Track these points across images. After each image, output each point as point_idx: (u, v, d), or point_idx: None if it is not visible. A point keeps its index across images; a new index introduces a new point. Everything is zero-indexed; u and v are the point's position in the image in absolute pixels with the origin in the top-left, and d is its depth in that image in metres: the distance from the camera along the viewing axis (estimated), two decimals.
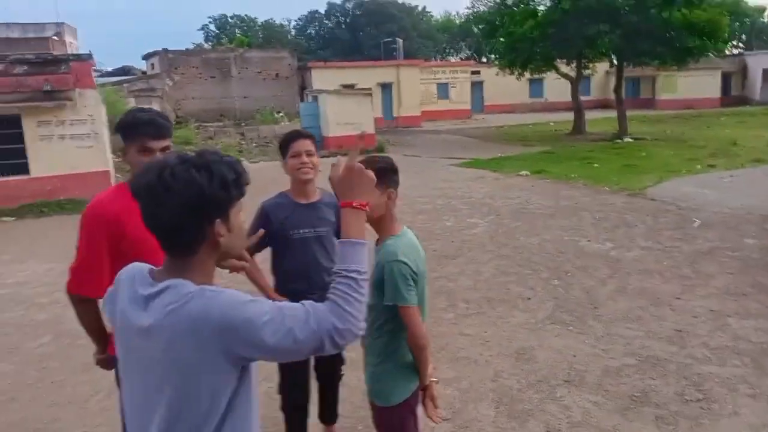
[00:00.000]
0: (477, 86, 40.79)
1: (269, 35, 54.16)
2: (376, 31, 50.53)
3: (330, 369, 3.40)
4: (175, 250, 1.42)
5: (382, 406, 2.43)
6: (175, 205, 1.34)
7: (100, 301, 2.09)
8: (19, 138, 12.27)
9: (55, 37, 23.37)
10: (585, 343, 4.81)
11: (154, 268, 1.48)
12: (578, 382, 4.17)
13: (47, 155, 12.39)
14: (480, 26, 28.70)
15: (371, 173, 1.56)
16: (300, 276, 3.04)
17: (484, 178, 14.17)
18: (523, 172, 14.43)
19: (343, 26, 56.27)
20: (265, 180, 6.82)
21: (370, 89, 23.30)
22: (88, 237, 2.36)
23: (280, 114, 28.82)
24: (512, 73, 26.22)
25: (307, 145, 3.01)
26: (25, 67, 12.34)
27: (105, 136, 13.15)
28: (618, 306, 5.59)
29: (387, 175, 2.34)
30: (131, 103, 21.34)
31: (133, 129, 2.35)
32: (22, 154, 12.33)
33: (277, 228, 3.00)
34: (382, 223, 2.38)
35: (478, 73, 40.71)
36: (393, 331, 2.36)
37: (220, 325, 1.31)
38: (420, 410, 2.47)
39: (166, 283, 1.38)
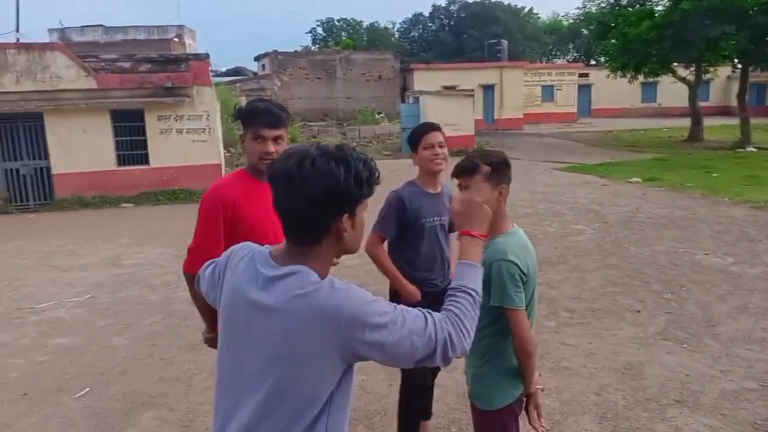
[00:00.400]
0: (584, 89, 39.28)
1: (374, 38, 54.93)
2: (480, 33, 49.88)
3: None
4: (299, 237, 1.43)
5: (483, 409, 2.32)
6: (310, 195, 1.35)
7: None
8: (142, 131, 13.21)
9: (176, 39, 24.86)
10: (700, 363, 4.43)
11: (273, 250, 1.49)
12: (692, 404, 3.84)
13: (165, 147, 13.26)
14: (591, 27, 27.58)
15: (488, 208, 1.68)
16: (427, 264, 3.13)
17: (590, 183, 13.58)
18: (634, 179, 13.68)
19: (447, 28, 56.02)
20: None
21: (472, 90, 23.03)
22: (206, 219, 2.43)
23: (381, 115, 29.18)
24: (624, 76, 25.00)
25: (439, 137, 3.08)
26: (149, 65, 13.27)
27: (219, 132, 13.86)
28: (739, 325, 5.12)
29: (499, 170, 2.23)
30: (242, 101, 22.37)
31: (250, 117, 2.43)
32: (143, 145, 13.28)
33: (410, 216, 3.08)
34: (491, 220, 2.28)
35: (586, 75, 39.22)
36: (498, 333, 2.25)
37: (346, 320, 1.33)
38: (522, 418, 2.35)
39: (293, 269, 1.39)
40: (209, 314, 2.58)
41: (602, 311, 5.56)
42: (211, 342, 2.67)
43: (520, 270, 2.14)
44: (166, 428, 3.81)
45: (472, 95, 22.10)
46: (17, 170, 12.95)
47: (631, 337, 4.95)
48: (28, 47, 12.57)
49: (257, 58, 36.42)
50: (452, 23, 55.90)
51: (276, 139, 2.41)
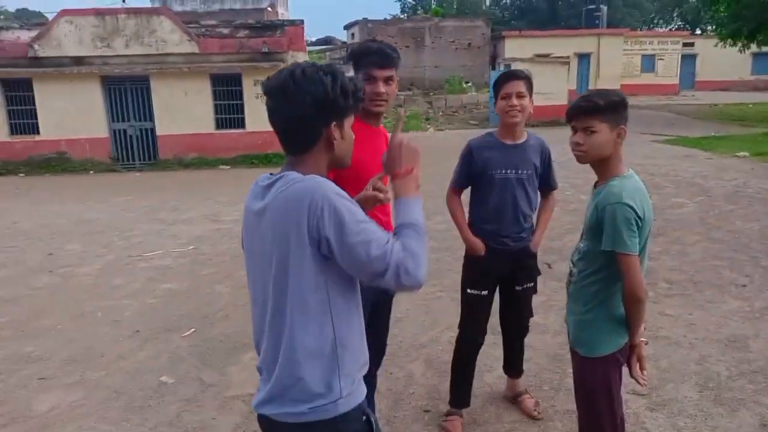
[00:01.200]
0: (688, 60, 36.77)
1: (463, 6, 53.67)
2: None
3: (517, 322, 3.35)
4: (293, 146, 1.58)
5: (585, 356, 2.28)
6: (301, 100, 1.49)
7: None
8: (239, 95, 13.68)
9: (269, 8, 25.38)
10: None
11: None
12: None
13: (261, 112, 13.59)
14: None
15: (416, 146, 1.68)
16: (495, 217, 3.04)
17: (692, 156, 12.83)
18: (741, 154, 12.79)
19: None
20: (449, 148, 6.76)
21: (567, 57, 22.13)
22: None
23: (468, 84, 28.67)
24: (734, 45, 23.18)
25: (518, 86, 2.91)
26: (247, 31, 13.66)
27: None
28: None
29: (618, 110, 2.13)
30: None
31: (362, 57, 2.45)
32: (240, 109, 13.76)
33: (479, 166, 3.02)
34: (607, 163, 2.18)
35: (691, 45, 36.68)
36: (606, 279, 2.18)
37: (317, 201, 1.43)
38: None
39: (282, 174, 1.56)
40: None
41: (704, 284, 5.31)
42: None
43: (636, 214, 2.05)
44: None
45: (568, 62, 21.23)
46: (125, 131, 13.81)
47: (736, 311, 4.70)
48: (136, 12, 13.25)
49: (347, 27, 36.59)
50: None
51: (387, 80, 2.42)
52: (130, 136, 13.84)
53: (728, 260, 5.91)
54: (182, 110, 13.50)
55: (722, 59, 32.68)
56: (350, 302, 1.59)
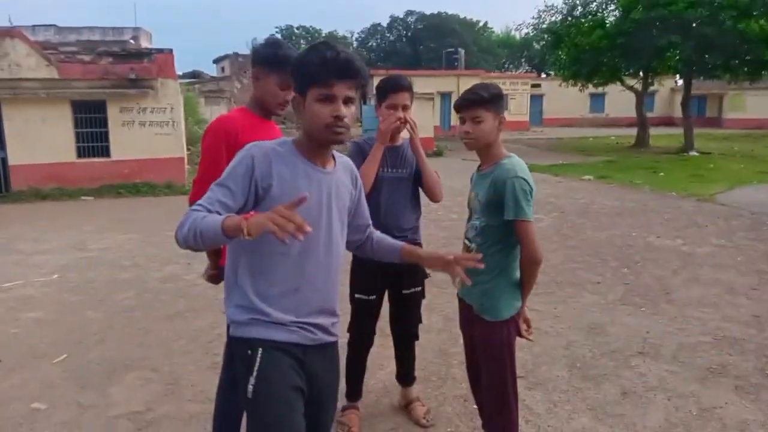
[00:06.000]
0: (536, 99, 40.42)
1: None
2: (436, 44, 50.91)
3: (405, 327, 3.36)
4: None
5: (491, 320, 2.46)
6: None
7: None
8: (104, 122, 12.94)
9: (131, 41, 24.43)
10: (658, 323, 4.77)
11: None
12: (653, 355, 4.15)
13: (128, 140, 13.01)
14: (543, 40, 28.49)
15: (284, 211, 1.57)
16: (386, 214, 3.04)
17: (545, 180, 14.04)
18: (586, 177, 14.27)
19: (404, 39, 56.93)
20: None
21: (432, 94, 23.43)
22: (209, 149, 2.53)
23: None
24: (575, 85, 25.89)
25: (405, 98, 2.97)
26: (111, 59, 13.07)
27: (182, 125, 13.70)
28: (691, 293, 5.50)
29: (499, 101, 2.44)
30: (201, 103, 22.15)
31: (274, 60, 2.56)
32: (105, 137, 13.00)
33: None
34: (492, 148, 2.48)
35: (538, 86, 40.37)
36: (505, 249, 2.42)
37: None
38: None
39: None
40: (212, 251, 2.67)
41: (565, 283, 5.87)
42: (214, 278, 2.73)
43: (530, 186, 2.34)
44: (152, 386, 3.85)
45: (432, 98, 22.46)
46: None
47: (593, 303, 5.26)
48: None
49: (216, 61, 36.10)
50: (410, 34, 56.83)
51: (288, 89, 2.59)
52: None
53: (583, 263, 6.59)
54: (39, 138, 12.46)
55: (565, 99, 36.38)
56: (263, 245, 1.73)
